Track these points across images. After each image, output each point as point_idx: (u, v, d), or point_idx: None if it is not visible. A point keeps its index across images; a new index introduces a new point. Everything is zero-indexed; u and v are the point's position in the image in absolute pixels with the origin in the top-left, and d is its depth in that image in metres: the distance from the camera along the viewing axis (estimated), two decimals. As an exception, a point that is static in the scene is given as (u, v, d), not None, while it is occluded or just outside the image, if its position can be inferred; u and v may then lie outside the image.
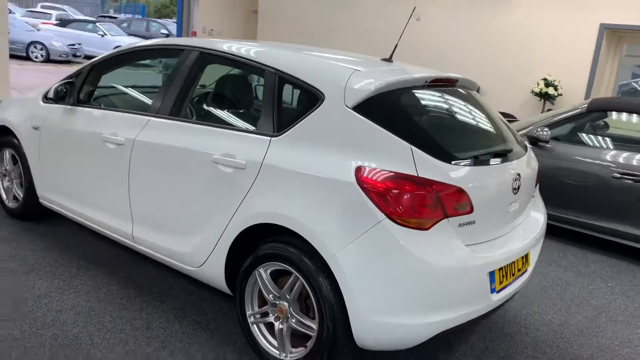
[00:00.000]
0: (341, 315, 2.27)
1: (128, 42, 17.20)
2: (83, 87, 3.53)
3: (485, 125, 2.82)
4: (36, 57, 16.29)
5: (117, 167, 3.12)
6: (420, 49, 9.19)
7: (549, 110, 7.55)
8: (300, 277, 2.37)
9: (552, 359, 2.93)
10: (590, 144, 4.77)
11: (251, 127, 2.67)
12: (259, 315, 2.60)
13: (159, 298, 3.13)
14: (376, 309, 2.19)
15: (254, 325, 2.61)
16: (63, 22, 20.41)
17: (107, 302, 3.02)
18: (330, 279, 2.27)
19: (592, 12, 7.85)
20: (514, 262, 2.60)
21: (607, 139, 4.81)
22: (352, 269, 2.19)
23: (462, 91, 2.89)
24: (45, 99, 3.71)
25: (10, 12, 16.58)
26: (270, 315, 2.56)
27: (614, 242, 4.84)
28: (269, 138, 2.53)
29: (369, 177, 2.21)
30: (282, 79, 2.63)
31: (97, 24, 19.56)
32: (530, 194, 2.94)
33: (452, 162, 2.31)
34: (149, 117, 3.05)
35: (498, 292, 2.46)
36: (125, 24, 22.94)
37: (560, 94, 7.99)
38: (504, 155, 2.67)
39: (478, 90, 3.09)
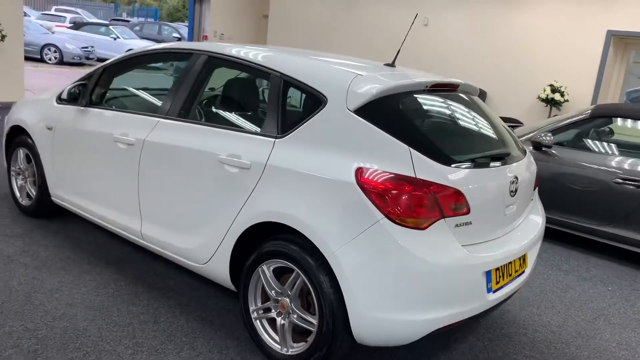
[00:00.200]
0: (340, 312, 2.34)
1: (140, 45, 17.42)
2: (95, 89, 3.65)
3: (485, 129, 2.89)
4: (50, 59, 16.50)
5: (127, 167, 3.22)
6: (426, 55, 9.25)
7: (555, 116, 7.58)
8: (301, 274, 2.45)
9: (549, 359, 2.99)
10: (593, 149, 4.81)
11: (256, 129, 2.76)
12: (261, 311, 2.69)
13: (166, 294, 3.22)
14: (374, 305, 2.26)
15: (257, 321, 2.70)
16: (77, 25, 20.65)
17: (116, 297, 3.12)
18: (330, 276, 2.34)
19: (599, 19, 7.88)
20: (511, 263, 2.65)
21: (610, 144, 4.85)
22: (351, 267, 2.26)
23: (463, 96, 2.96)
24: (59, 100, 3.83)
25: (25, 15, 16.81)
26: (273, 310, 2.64)
27: (617, 247, 4.87)
28: (273, 139, 2.62)
29: (369, 178, 2.29)
30: (286, 82, 2.71)
31: (110, 27, 19.76)
32: (529, 197, 3.00)
33: (452, 165, 2.38)
34: (158, 119, 3.15)
35: (494, 291, 2.52)
36: (137, 28, 23.19)
37: (567, 100, 8.02)
38: (502, 158, 2.73)
39: (479, 95, 3.15)
